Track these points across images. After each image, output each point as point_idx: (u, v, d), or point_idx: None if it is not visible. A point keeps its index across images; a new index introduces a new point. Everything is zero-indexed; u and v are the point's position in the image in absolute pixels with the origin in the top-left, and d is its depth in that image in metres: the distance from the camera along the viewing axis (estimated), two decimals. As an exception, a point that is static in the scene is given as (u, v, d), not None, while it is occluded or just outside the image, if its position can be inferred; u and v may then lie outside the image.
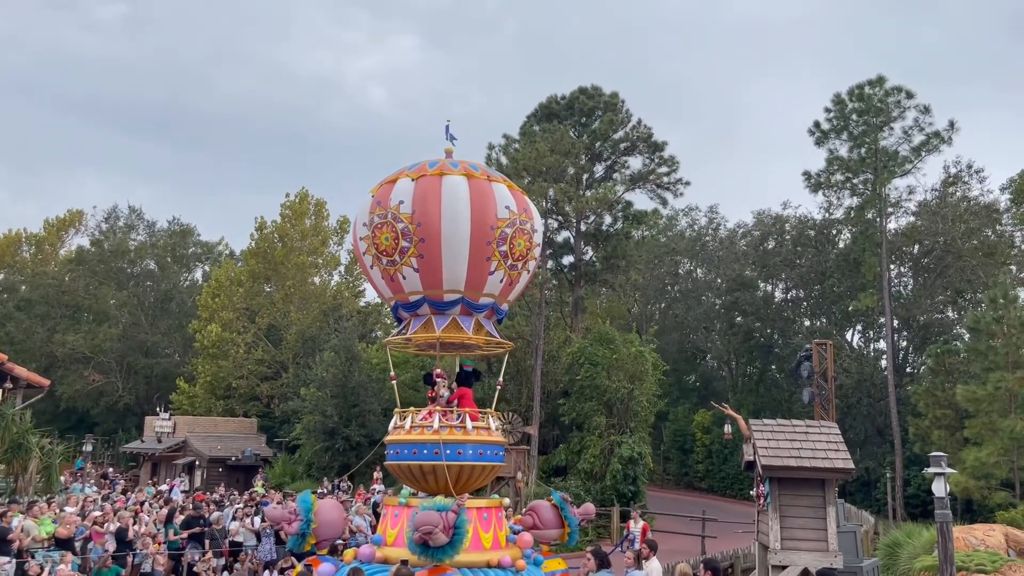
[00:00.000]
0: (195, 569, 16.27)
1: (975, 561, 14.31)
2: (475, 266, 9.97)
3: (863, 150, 38.30)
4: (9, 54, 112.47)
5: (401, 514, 9.79)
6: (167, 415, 41.92)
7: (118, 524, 15.86)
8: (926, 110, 37.34)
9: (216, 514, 18.92)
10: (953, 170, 40.94)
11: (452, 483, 9.73)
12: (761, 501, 12.62)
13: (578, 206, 35.58)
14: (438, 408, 10.12)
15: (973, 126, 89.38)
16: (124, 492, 25.31)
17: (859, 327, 47.14)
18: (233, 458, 38.23)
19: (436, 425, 9.86)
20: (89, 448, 40.38)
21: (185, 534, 17.06)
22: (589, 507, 11.51)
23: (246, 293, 49.38)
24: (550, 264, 37.86)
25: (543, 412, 33.83)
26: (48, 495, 20.15)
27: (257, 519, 18.09)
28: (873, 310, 40.37)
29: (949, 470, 11.81)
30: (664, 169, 38.37)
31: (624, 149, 38.80)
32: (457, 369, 11.19)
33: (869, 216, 39.43)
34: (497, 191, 10.19)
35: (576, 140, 37.09)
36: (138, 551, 15.41)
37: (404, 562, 8.70)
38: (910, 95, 37.45)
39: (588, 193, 36.92)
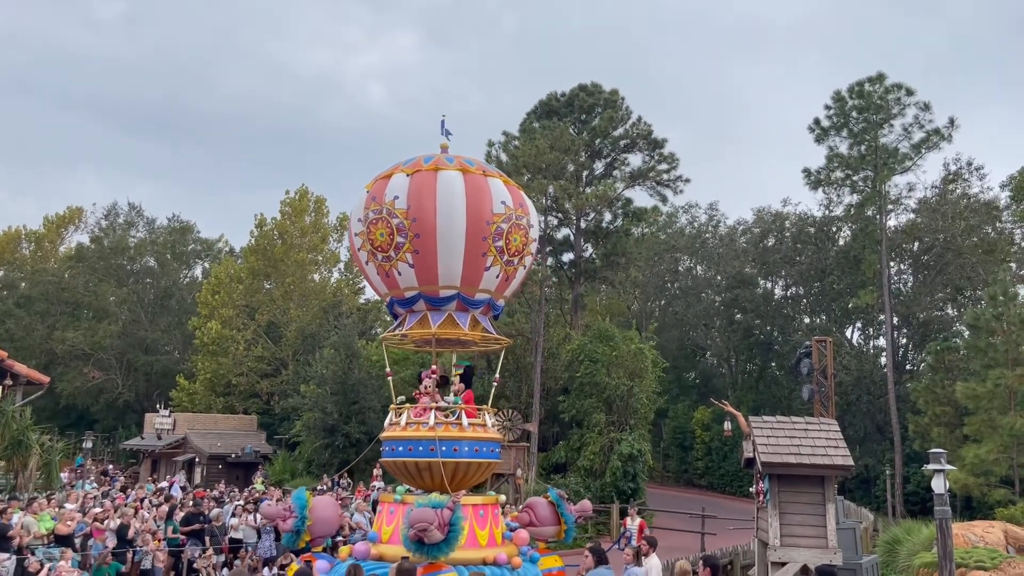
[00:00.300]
0: (195, 566, 16.28)
1: (974, 558, 14.29)
2: (471, 262, 9.92)
3: (863, 147, 38.25)
4: (9, 51, 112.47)
5: (397, 511, 9.76)
6: (167, 412, 41.98)
7: (119, 521, 15.86)
8: (926, 107, 37.32)
9: (216, 511, 18.93)
10: (953, 167, 40.90)
11: (448, 480, 9.70)
12: (761, 498, 12.60)
13: (578, 203, 35.54)
14: (434, 405, 10.09)
15: (973, 123, 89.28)
16: (123, 489, 25.31)
17: (859, 324, 47.12)
18: (233, 455, 38.26)
19: (432, 422, 9.83)
20: (89, 445, 40.40)
21: (185, 531, 17.06)
22: (585, 504, 11.48)
23: (246, 290, 49.40)
24: (550, 261, 37.85)
25: (543, 409, 33.84)
26: (48, 492, 20.16)
27: (257, 515, 18.09)
28: (873, 307, 40.34)
29: (949, 467, 11.78)
30: (664, 166, 38.36)
31: (624, 146, 38.77)
32: (453, 367, 11.15)
33: (869, 213, 39.40)
34: (493, 186, 10.14)
35: (576, 137, 37.05)
36: (138, 548, 15.40)
37: (406, 558, 8.67)
38: (910, 92, 37.43)
39: (588, 190, 36.89)
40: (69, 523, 15.22)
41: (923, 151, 37.82)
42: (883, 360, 41.14)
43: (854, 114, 38.21)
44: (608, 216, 38.40)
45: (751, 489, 13.71)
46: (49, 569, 12.93)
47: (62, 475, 25.98)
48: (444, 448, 9.67)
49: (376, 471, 28.07)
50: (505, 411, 31.25)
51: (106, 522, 15.82)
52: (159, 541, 16.15)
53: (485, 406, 10.54)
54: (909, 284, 43.83)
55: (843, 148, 38.94)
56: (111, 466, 40.92)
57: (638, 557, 10.59)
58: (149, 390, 56.31)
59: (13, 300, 59.79)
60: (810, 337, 31.98)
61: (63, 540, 14.70)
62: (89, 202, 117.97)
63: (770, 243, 48.60)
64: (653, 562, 10.55)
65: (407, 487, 10.42)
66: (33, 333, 56.15)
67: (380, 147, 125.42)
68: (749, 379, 51.22)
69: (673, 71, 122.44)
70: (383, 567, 8.90)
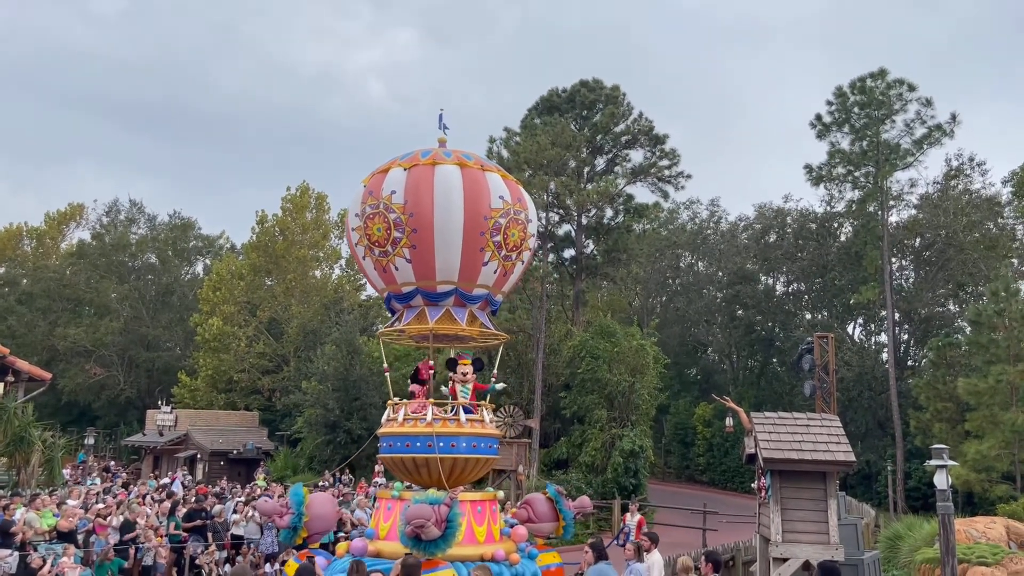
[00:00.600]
0: (197, 562, 16.29)
1: (976, 553, 14.27)
2: (468, 257, 9.85)
3: (865, 143, 38.16)
4: (8, 47, 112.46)
5: (394, 507, 9.70)
6: (168, 408, 42.01)
7: (123, 516, 15.87)
8: (928, 103, 37.23)
9: (218, 507, 18.95)
10: (955, 163, 40.85)
11: (445, 476, 9.64)
12: (762, 494, 12.58)
13: (579, 199, 35.48)
14: (431, 401, 10.06)
15: (975, 119, 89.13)
16: (125, 485, 25.36)
17: (860, 320, 47.08)
18: (235, 451, 38.31)
19: (429, 418, 9.79)
20: (91, 441, 40.56)
21: (188, 527, 17.07)
22: (584, 500, 11.43)
23: (247, 287, 49.42)
24: (551, 257, 37.82)
25: (544, 405, 33.82)
26: (51, 488, 20.18)
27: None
28: (874, 303, 40.29)
29: (951, 462, 11.75)
30: (665, 162, 38.26)
31: (625, 142, 38.67)
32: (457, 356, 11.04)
33: (871, 209, 39.32)
34: (491, 180, 10.06)
35: (577, 133, 36.98)
36: (141, 544, 15.41)
37: (409, 553, 8.64)
38: (912, 88, 37.31)
39: (589, 186, 36.82)
40: (71, 519, 15.23)
41: (925, 147, 37.75)
42: (885, 356, 41.11)
43: (856, 110, 38.12)
44: (609, 212, 38.34)
45: (753, 485, 13.69)
46: (51, 565, 12.93)
47: (64, 472, 26.01)
48: (442, 444, 9.62)
49: (378, 467, 28.06)
50: (507, 407, 31.27)
51: (109, 518, 15.83)
52: (161, 537, 16.16)
53: (484, 402, 10.50)
54: (911, 280, 43.78)
55: (845, 144, 38.88)
56: (112, 462, 40.99)
57: (639, 553, 10.56)
58: (151, 386, 56.39)
59: (15, 297, 59.88)
60: (812, 333, 31.92)
61: (65, 536, 14.70)
62: (90, 198, 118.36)
63: (771, 239, 48.53)
64: (655, 558, 10.52)
65: (406, 483, 10.40)
66: (35, 330, 56.25)
67: (380, 144, 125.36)
68: (751, 375, 51.21)
69: (674, 67, 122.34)
70: (380, 563, 8.85)
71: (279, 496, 18.16)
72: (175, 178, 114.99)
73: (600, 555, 9.12)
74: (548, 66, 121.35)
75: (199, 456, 38.28)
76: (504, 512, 10.93)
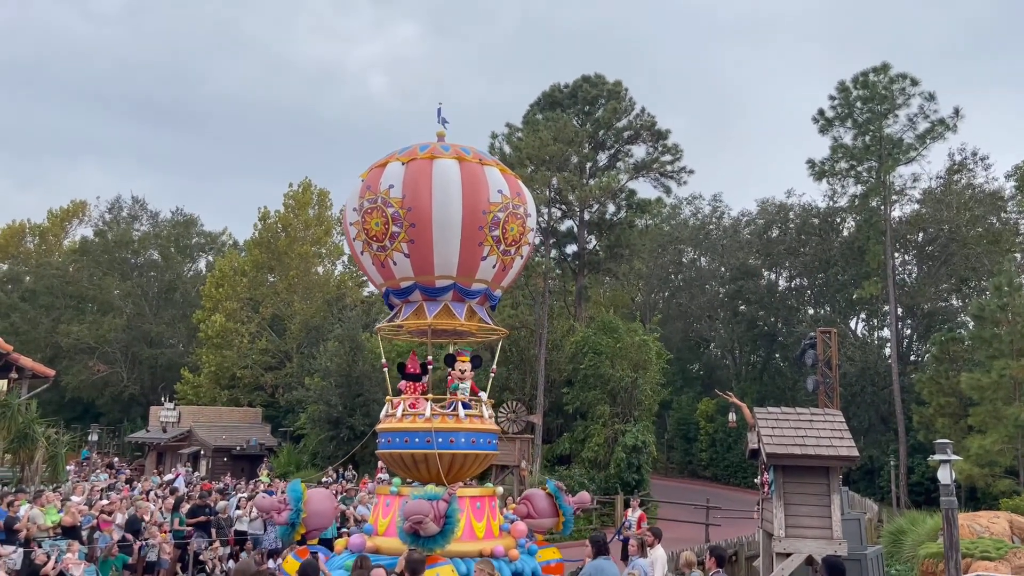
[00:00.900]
0: (201, 558, 16.32)
1: (980, 548, 14.26)
2: (467, 251, 9.79)
3: (867, 138, 38.03)
4: (10, 45, 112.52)
5: (393, 503, 9.68)
6: (172, 405, 42.09)
7: (129, 512, 15.88)
8: (931, 97, 37.09)
9: (222, 503, 18.97)
10: (958, 157, 40.66)
11: (444, 472, 9.60)
12: (766, 489, 12.57)
13: (581, 195, 35.42)
14: (429, 396, 10.02)
15: (979, 113, 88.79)
16: (129, 482, 25.39)
17: (863, 315, 46.99)
18: (238, 447, 38.36)
19: (427, 413, 9.75)
20: (95, 438, 40.61)
21: (192, 523, 17.09)
22: (584, 496, 11.42)
23: (250, 283, 49.45)
24: (554, 253, 37.78)
25: (547, 401, 33.82)
26: (55, 484, 20.22)
27: (265, 509, 18.08)
28: (877, 298, 40.19)
29: (954, 457, 11.71)
30: (668, 157, 38.16)
31: (627, 138, 38.57)
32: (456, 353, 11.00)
33: (873, 204, 39.20)
34: (489, 175, 9.99)
35: (579, 129, 36.90)
36: (145, 540, 15.44)
37: (413, 548, 8.63)
38: (915, 82, 37.16)
39: (591, 182, 36.76)
40: (74, 515, 15.24)
41: (928, 141, 37.60)
42: (887, 351, 41.03)
43: (858, 104, 37.99)
44: (612, 208, 38.29)
45: (756, 480, 13.67)
46: (56, 561, 12.96)
47: (68, 468, 26.07)
48: (440, 440, 9.58)
49: (381, 463, 28.11)
50: (509, 403, 31.27)
51: (114, 515, 15.85)
52: (165, 533, 16.18)
53: (482, 397, 10.45)
54: (914, 275, 43.67)
55: (847, 139, 38.77)
56: (116, 459, 41.07)
57: (642, 548, 10.55)
58: (154, 383, 56.49)
59: (18, 294, 59.95)
60: (814, 328, 31.87)
61: (69, 532, 14.72)
62: (92, 195, 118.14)
63: (774, 234, 48.43)
64: (658, 553, 10.51)
65: (405, 479, 10.37)
66: (38, 327, 56.34)
67: (383, 139, 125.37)
68: (753, 370, 51.15)
69: (676, 62, 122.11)
70: (379, 559, 8.84)
71: (282, 491, 18.21)
72: (178, 175, 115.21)
73: (600, 550, 9.10)
74: (550, 61, 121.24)
75: (202, 452, 38.34)
76: (504, 508, 10.91)
